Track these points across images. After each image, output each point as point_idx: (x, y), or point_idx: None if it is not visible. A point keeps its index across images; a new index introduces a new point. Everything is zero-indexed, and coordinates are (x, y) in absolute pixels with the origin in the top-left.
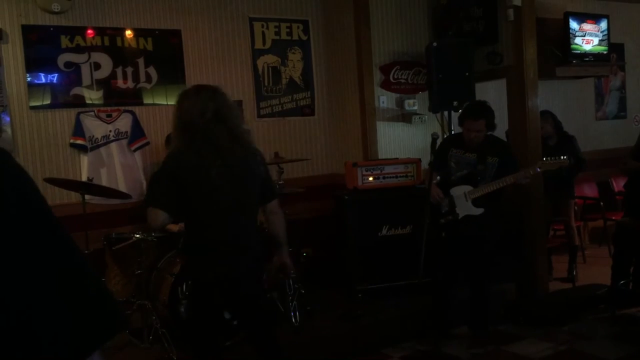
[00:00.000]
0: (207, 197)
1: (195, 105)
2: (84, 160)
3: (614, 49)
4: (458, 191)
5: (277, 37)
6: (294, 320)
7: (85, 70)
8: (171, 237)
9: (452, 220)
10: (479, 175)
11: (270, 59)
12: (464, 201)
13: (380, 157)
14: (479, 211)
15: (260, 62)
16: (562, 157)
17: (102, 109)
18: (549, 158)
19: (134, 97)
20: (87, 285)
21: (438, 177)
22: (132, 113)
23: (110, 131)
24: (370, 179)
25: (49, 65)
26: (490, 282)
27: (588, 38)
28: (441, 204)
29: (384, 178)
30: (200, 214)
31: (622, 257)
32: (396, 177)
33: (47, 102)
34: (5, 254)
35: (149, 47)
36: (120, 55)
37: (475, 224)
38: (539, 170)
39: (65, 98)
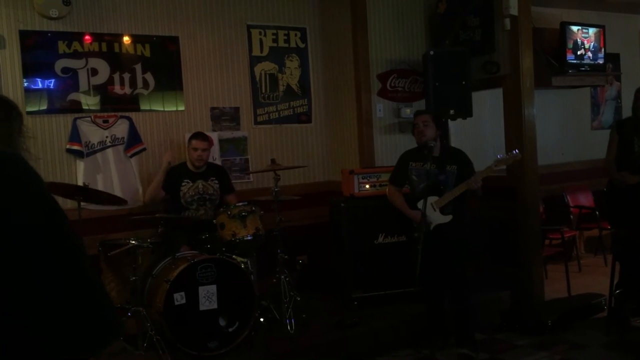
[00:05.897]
0: None
1: None
2: (80, 165)
3: (610, 59)
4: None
5: (275, 45)
6: (289, 327)
7: (82, 75)
8: (167, 244)
9: (426, 232)
10: (442, 184)
11: (268, 66)
12: (432, 211)
13: (377, 164)
14: (448, 218)
15: (257, 69)
16: (514, 152)
17: (98, 114)
18: (501, 155)
19: (130, 103)
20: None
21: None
22: (129, 119)
23: (107, 137)
24: (367, 186)
25: (46, 71)
26: (469, 290)
27: (584, 48)
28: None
29: (380, 186)
30: None
31: (621, 267)
32: None
33: (44, 107)
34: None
35: (147, 53)
36: (118, 61)
37: (447, 232)
38: (495, 167)
39: (62, 103)
